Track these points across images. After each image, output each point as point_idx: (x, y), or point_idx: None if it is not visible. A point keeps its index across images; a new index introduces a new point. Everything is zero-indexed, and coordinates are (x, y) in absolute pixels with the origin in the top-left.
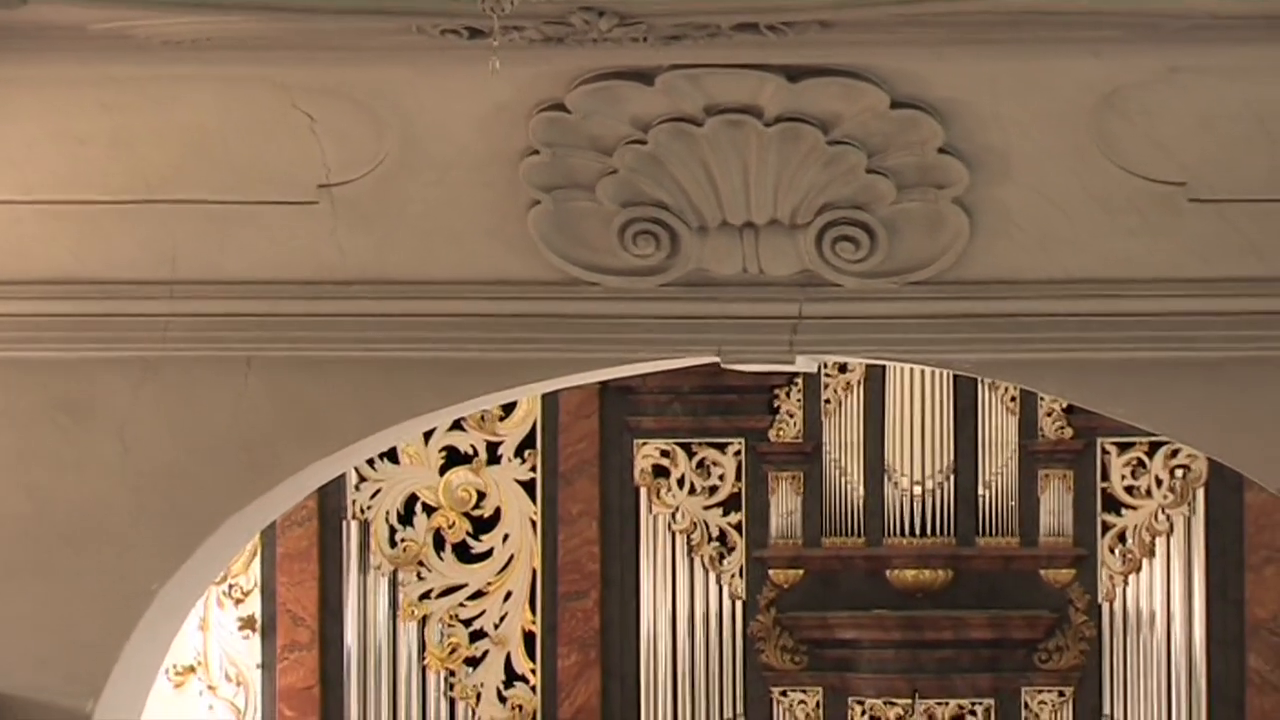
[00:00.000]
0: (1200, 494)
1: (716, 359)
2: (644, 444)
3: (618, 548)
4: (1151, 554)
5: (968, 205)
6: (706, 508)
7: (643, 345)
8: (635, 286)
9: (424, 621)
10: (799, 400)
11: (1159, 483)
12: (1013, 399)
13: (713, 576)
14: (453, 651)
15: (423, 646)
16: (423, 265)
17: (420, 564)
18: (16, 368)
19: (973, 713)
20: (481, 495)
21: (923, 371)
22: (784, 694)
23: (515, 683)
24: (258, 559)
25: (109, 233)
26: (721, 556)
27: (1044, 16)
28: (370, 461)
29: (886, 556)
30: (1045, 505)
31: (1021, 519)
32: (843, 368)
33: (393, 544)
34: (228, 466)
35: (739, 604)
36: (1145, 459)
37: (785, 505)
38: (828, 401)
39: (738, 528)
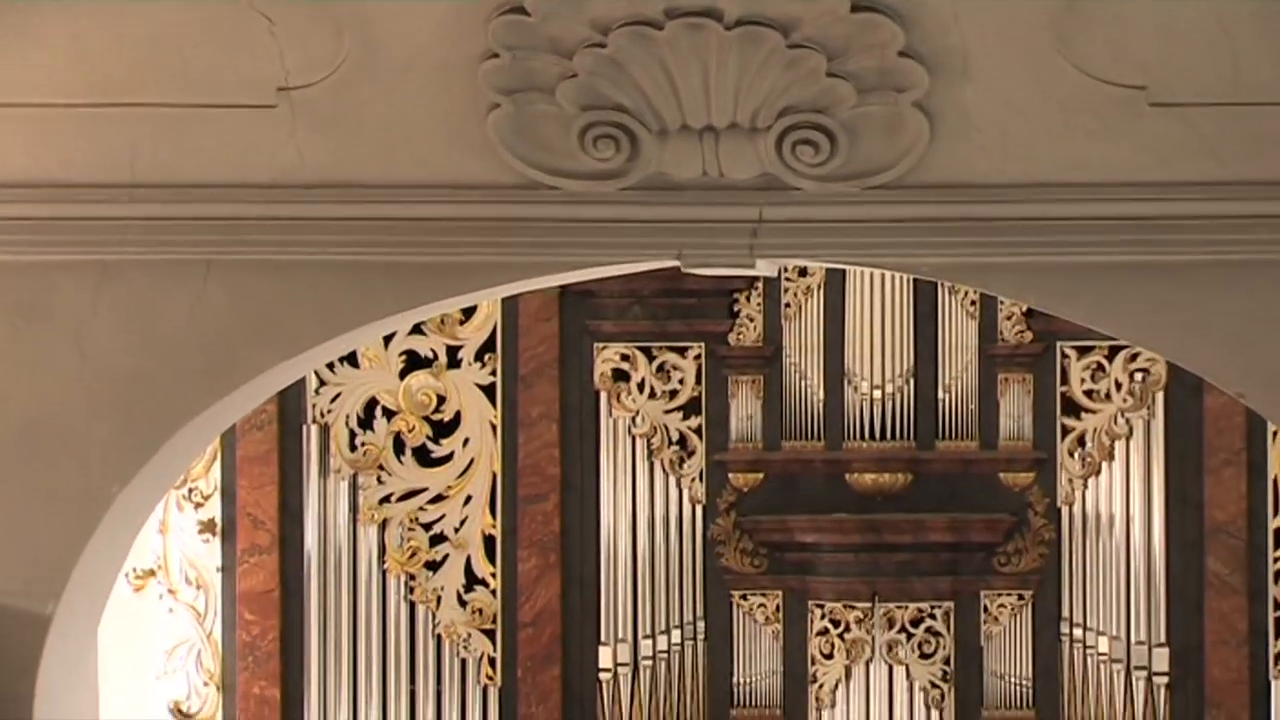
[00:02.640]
0: (1159, 397)
1: (677, 263)
2: (604, 347)
3: (578, 451)
4: (1111, 457)
5: (928, 109)
6: (666, 411)
7: (603, 249)
8: (595, 190)
9: (384, 525)
10: (759, 304)
11: (1118, 386)
12: (972, 303)
13: (672, 480)
14: (413, 555)
15: (383, 550)
16: (382, 169)
17: (380, 468)
18: None
19: (932, 616)
20: (441, 399)
21: (883, 276)
22: (744, 597)
23: (475, 586)
24: (217, 463)
25: (66, 136)
26: (681, 460)
27: None
28: (330, 365)
29: (846, 460)
30: (1005, 409)
31: (981, 422)
32: (803, 272)
33: (353, 448)
34: (186, 370)
35: (699, 507)
36: (1105, 363)
37: (745, 409)
38: (788, 305)
39: (697, 431)
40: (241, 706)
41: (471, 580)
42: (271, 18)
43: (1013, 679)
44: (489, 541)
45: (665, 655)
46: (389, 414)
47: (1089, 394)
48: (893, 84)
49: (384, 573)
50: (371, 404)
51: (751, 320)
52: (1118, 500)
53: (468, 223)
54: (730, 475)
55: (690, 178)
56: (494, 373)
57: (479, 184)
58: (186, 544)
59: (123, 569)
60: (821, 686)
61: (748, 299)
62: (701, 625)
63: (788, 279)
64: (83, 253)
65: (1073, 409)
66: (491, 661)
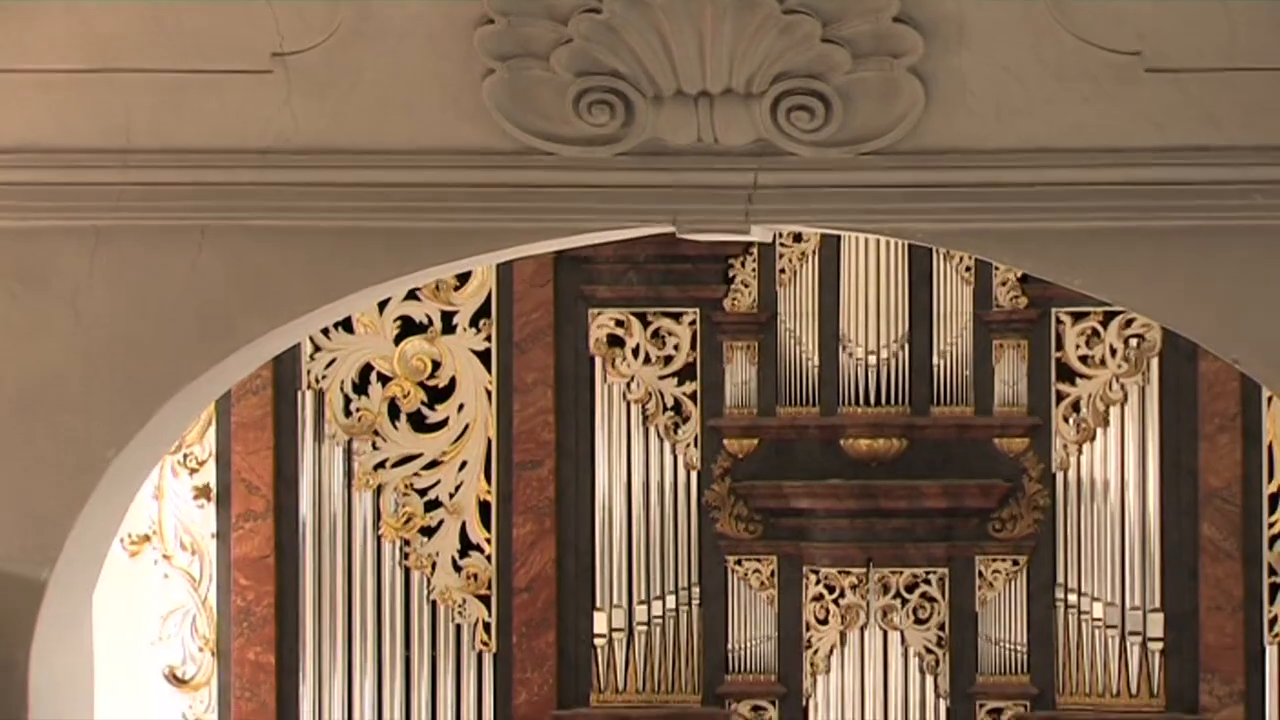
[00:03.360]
0: (1154, 363)
1: (672, 228)
2: (599, 313)
3: (573, 417)
4: (1106, 423)
5: (923, 74)
6: (661, 377)
7: (598, 215)
8: (590, 156)
9: (379, 491)
10: (754, 270)
11: (1113, 352)
12: (967, 269)
13: (667, 446)
14: (408, 521)
15: (378, 516)
16: (377, 134)
17: (375, 433)
18: None
19: (927, 581)
20: (436, 364)
21: (878, 241)
22: (739, 563)
23: (470, 552)
24: (212, 428)
25: (63, 102)
26: (676, 426)
27: None
28: (325, 331)
29: (841, 425)
30: (1000, 374)
31: (976, 388)
32: (798, 237)
33: (347, 413)
34: (181, 335)
35: (694, 473)
36: (1100, 328)
37: (740, 375)
38: (783, 271)
39: (692, 397)
40: (236, 672)
41: (466, 546)
42: None
43: (1007, 644)
44: (484, 507)
45: (660, 621)
46: (384, 380)
47: (1084, 360)
48: (888, 49)
49: (379, 538)
50: (366, 370)
51: (746, 286)
52: (1112, 466)
53: (463, 188)
54: (725, 441)
55: (685, 143)
56: (489, 338)
57: (474, 149)
58: (181, 510)
59: (117, 535)
60: (816, 652)
61: (743, 265)
62: (696, 591)
63: (783, 245)
64: (78, 218)
65: (1068, 375)
66: (486, 627)
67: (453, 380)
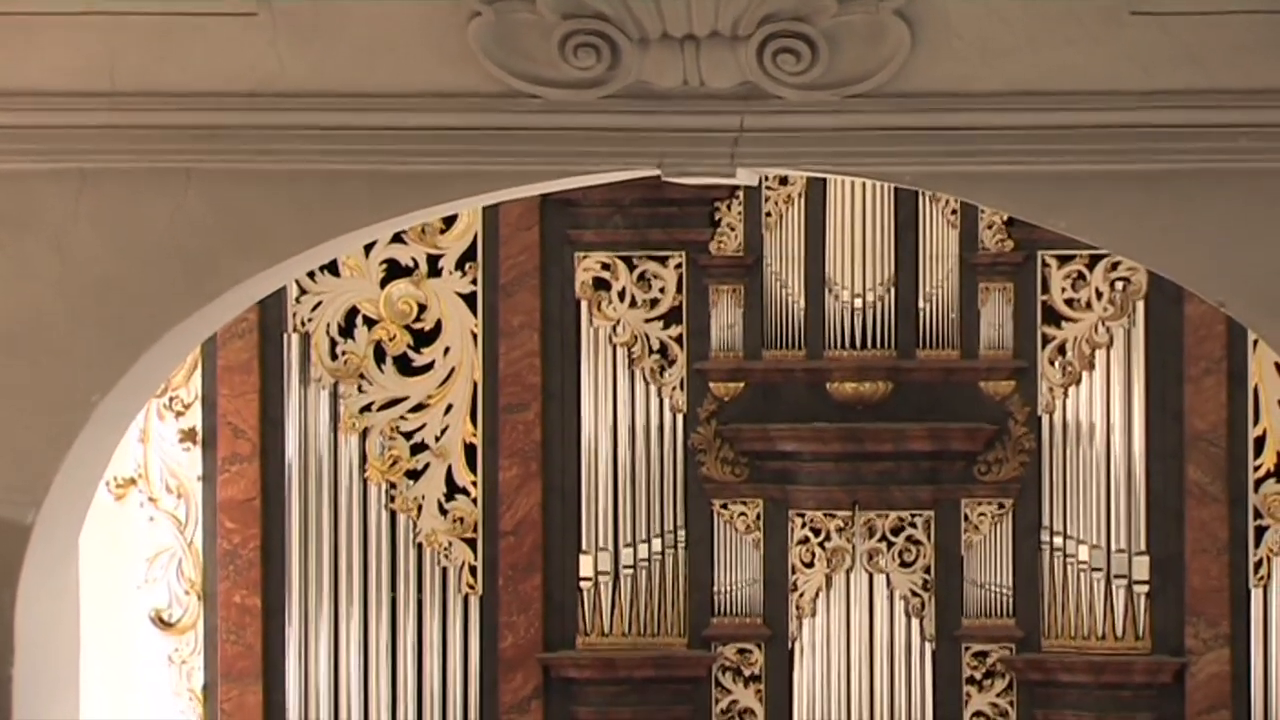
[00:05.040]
0: (1140, 306)
1: (657, 172)
2: (585, 256)
3: (559, 360)
4: (1091, 366)
5: (909, 17)
6: (647, 320)
7: (583, 158)
8: (576, 99)
9: (365, 434)
10: (740, 213)
11: (1099, 295)
12: (953, 212)
13: (653, 389)
14: (394, 464)
15: (363, 459)
16: (362, 77)
17: (361, 377)
18: None
19: (912, 525)
20: (422, 308)
21: (863, 184)
22: (724, 506)
23: (456, 495)
24: (198, 371)
25: (47, 44)
26: (662, 369)
27: None
28: (311, 274)
29: (827, 369)
30: (985, 318)
31: (961, 331)
32: (783, 180)
33: (333, 357)
34: (167, 279)
35: (679, 416)
36: (1085, 272)
37: (726, 318)
38: (768, 214)
39: (678, 340)
40: (222, 615)
41: (452, 489)
42: None
43: (993, 587)
44: (470, 450)
45: (646, 564)
46: (370, 323)
47: (1070, 303)
48: None
49: (365, 481)
50: (352, 313)
51: (732, 229)
52: (1098, 409)
53: (448, 131)
54: (711, 384)
55: (671, 86)
56: (475, 282)
57: (459, 93)
58: (167, 453)
59: (103, 478)
60: (802, 595)
61: (728, 208)
62: (682, 534)
63: (768, 188)
64: (63, 161)
65: (1053, 318)
66: (472, 570)
67: (438, 323)
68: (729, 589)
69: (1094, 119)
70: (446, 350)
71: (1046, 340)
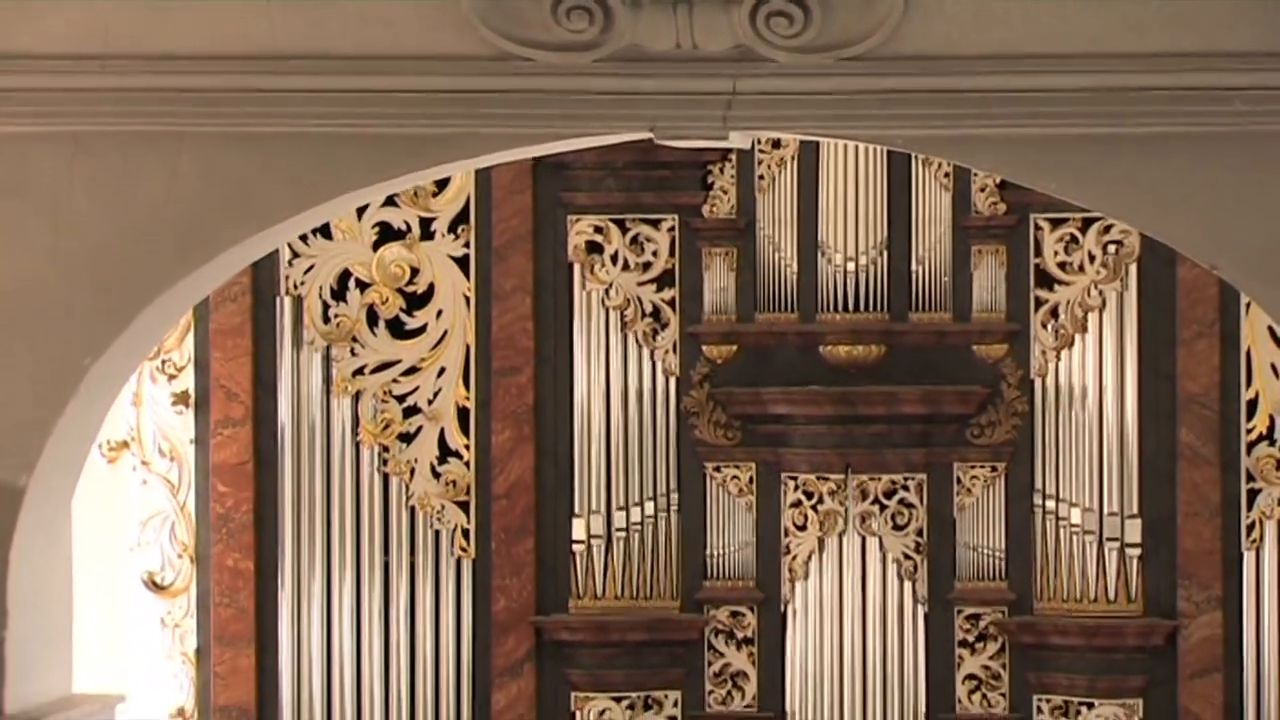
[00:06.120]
0: (1133, 269)
1: (650, 135)
2: (578, 220)
3: (551, 324)
4: (1084, 329)
5: None
6: (640, 284)
7: (576, 121)
8: (569, 62)
9: (357, 397)
10: (732, 176)
11: (1091, 258)
12: (946, 175)
13: (646, 352)
14: (386, 427)
15: (356, 422)
16: (355, 40)
17: (354, 340)
18: None
19: (905, 488)
20: (415, 271)
21: (856, 147)
22: (717, 469)
23: (449, 458)
24: (191, 334)
25: (40, 7)
26: (655, 332)
27: None
28: (303, 237)
29: (819, 332)
30: (978, 281)
31: (955, 294)
32: (776, 143)
33: (326, 320)
34: (160, 242)
35: (672, 380)
36: (1078, 235)
37: (719, 281)
38: (761, 178)
39: (671, 304)
40: (215, 578)
41: (445, 452)
42: None
43: (985, 550)
44: (463, 414)
45: (639, 527)
46: (362, 286)
47: (1062, 266)
48: None
49: (357, 445)
50: (345, 276)
51: (725, 192)
52: (1090, 372)
53: (441, 95)
54: (704, 347)
55: (664, 49)
56: (467, 245)
57: (452, 56)
58: (160, 416)
59: (96, 441)
60: (795, 558)
61: (721, 171)
62: (675, 497)
63: (761, 151)
64: (57, 124)
65: (1046, 281)
66: (465, 533)
67: (431, 286)
68: (721, 552)
69: (1086, 82)
70: (439, 314)
71: (1039, 303)
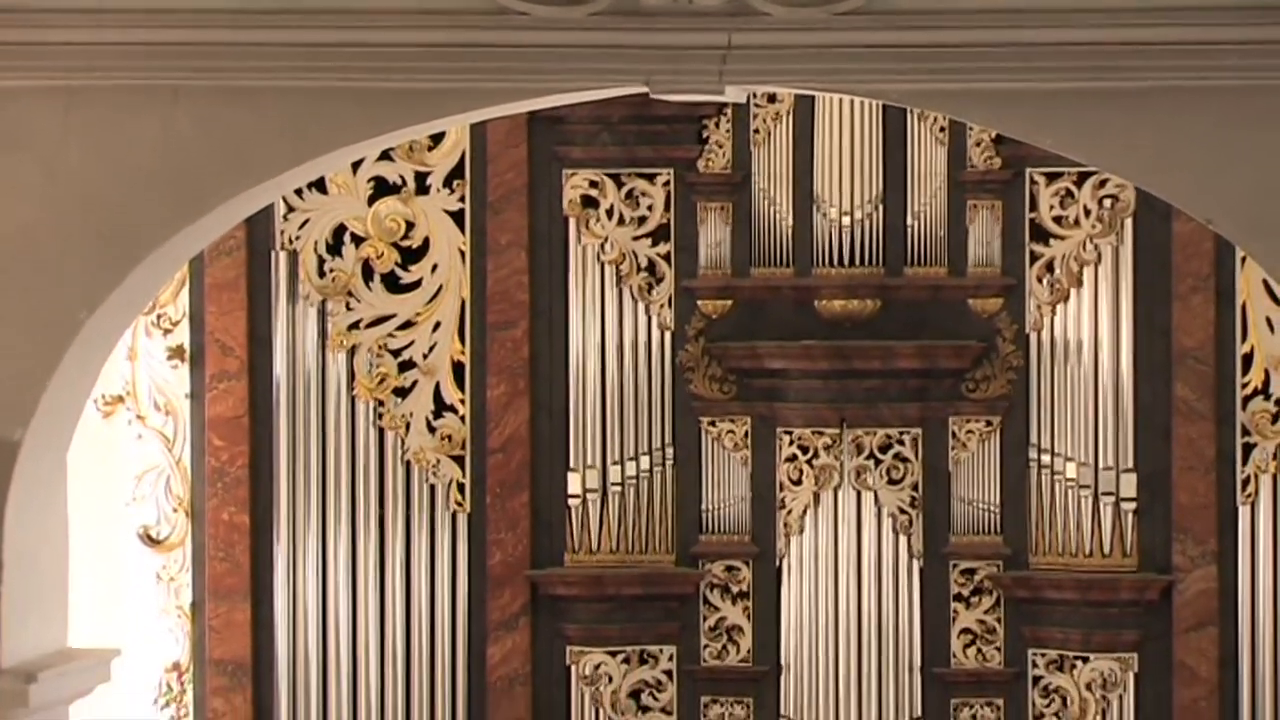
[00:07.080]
0: (1128, 224)
1: (645, 89)
2: (573, 174)
3: (547, 278)
4: (1079, 283)
5: None
6: (635, 238)
7: (571, 75)
8: (564, 16)
9: (353, 351)
10: (728, 130)
11: (1087, 213)
12: (941, 129)
13: (641, 306)
14: (381, 381)
15: (351, 376)
16: None
17: (349, 294)
18: None
19: (900, 442)
20: (410, 225)
21: (852, 102)
22: (712, 424)
23: (444, 412)
24: (186, 289)
25: None
26: (650, 287)
27: None
28: (298, 191)
29: (815, 286)
30: (974, 235)
31: (950, 249)
32: (771, 98)
33: (321, 274)
34: (155, 196)
35: (667, 334)
36: (1074, 189)
37: (714, 235)
38: (756, 132)
39: (666, 258)
40: (210, 532)
41: (440, 407)
42: None
43: (980, 505)
44: (458, 368)
45: (634, 481)
46: (357, 240)
47: (1058, 220)
48: None
49: (353, 399)
50: (340, 230)
51: (720, 147)
52: (1086, 326)
53: (436, 48)
54: (699, 302)
55: (659, 3)
56: (462, 199)
57: (447, 9)
58: (155, 370)
59: (91, 395)
60: (790, 512)
61: (717, 125)
62: (670, 451)
63: (757, 105)
64: (51, 78)
65: (1042, 235)
66: (460, 488)
67: (426, 241)
68: (717, 506)
69: (1081, 36)
70: (434, 268)
71: (1035, 257)
